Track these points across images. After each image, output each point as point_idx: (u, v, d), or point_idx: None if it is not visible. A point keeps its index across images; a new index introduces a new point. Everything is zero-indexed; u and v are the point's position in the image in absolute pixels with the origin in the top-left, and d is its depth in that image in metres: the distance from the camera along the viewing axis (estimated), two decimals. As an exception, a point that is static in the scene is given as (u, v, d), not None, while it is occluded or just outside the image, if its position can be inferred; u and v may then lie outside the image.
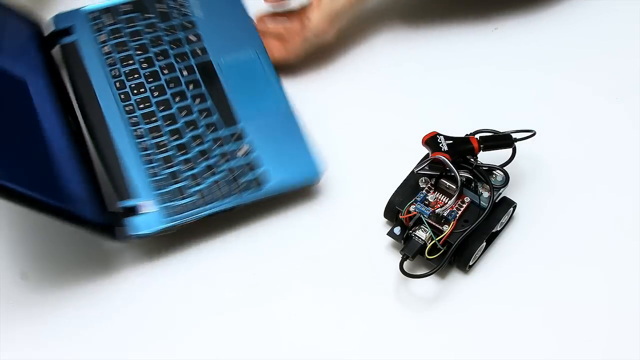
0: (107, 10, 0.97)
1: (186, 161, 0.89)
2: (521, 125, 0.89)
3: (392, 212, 0.87)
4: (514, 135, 0.88)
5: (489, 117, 0.92)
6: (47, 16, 0.97)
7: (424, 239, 0.84)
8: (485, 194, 0.86)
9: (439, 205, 0.85)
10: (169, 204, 0.86)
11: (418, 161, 0.88)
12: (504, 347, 0.83)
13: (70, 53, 0.94)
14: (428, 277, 0.84)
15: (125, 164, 0.88)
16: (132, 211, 0.86)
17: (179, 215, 0.86)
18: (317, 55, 1.00)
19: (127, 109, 0.91)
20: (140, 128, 0.90)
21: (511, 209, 0.88)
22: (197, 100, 0.92)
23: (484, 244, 0.86)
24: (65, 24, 0.95)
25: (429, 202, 0.85)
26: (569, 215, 0.90)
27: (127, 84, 0.92)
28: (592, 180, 0.92)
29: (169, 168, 0.88)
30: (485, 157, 0.87)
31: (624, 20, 1.03)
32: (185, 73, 0.94)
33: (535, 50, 1.01)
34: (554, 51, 1.01)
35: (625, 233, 0.89)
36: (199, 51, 0.95)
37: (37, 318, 0.85)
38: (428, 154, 0.87)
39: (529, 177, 0.91)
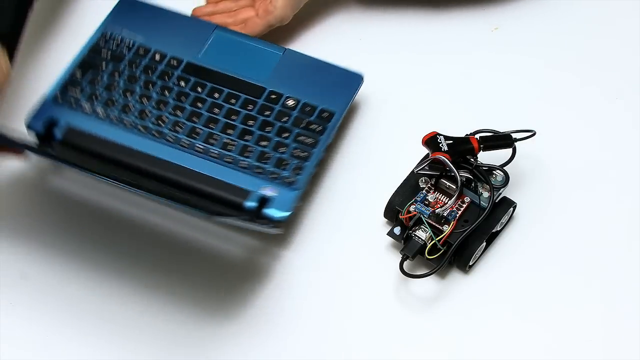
0: (65, 86, 0.93)
1: (259, 140, 0.89)
2: (521, 125, 0.89)
3: (392, 212, 0.87)
4: (514, 135, 0.88)
5: (489, 117, 0.92)
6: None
7: (424, 239, 0.84)
8: (485, 194, 0.86)
9: (439, 205, 0.85)
10: (280, 178, 0.87)
11: (418, 161, 0.89)
12: (504, 347, 0.83)
13: (74, 138, 0.89)
14: (428, 277, 0.84)
15: (214, 176, 0.88)
16: (263, 202, 0.85)
17: (299, 180, 0.87)
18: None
19: (169, 140, 0.89)
20: (197, 145, 0.89)
21: (511, 209, 0.88)
22: (216, 95, 0.92)
23: (484, 244, 0.86)
24: (44, 120, 0.90)
25: (429, 202, 0.85)
26: (569, 215, 0.90)
27: (148, 123, 0.90)
28: (593, 180, 0.92)
29: (250, 155, 0.88)
30: (485, 157, 0.87)
31: (625, 19, 1.03)
32: (182, 84, 0.93)
33: (536, 49, 1.01)
34: (554, 50, 1.01)
35: (626, 233, 0.88)
36: (174, 62, 0.94)
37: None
38: (428, 154, 0.87)
39: (529, 177, 0.91)
